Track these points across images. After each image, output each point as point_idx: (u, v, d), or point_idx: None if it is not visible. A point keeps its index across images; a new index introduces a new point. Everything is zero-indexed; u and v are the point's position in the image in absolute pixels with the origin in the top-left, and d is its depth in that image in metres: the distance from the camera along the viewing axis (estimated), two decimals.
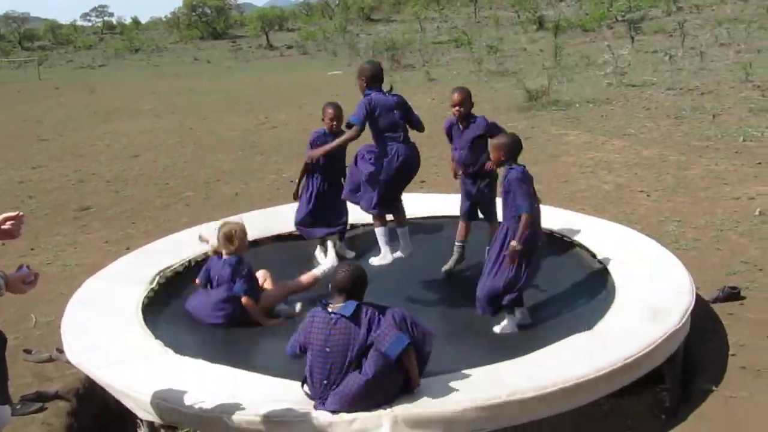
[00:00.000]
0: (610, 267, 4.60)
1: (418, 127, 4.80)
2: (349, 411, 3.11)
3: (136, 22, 61.65)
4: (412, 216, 6.09)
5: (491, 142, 4.33)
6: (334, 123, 5.29)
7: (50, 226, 7.89)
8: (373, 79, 4.68)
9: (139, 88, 24.05)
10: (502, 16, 40.67)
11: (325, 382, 3.16)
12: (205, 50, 43.38)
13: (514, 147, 4.17)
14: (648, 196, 7.59)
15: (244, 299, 4.26)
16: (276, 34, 46.85)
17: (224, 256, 4.38)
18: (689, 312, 3.89)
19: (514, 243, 3.95)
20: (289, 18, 55.93)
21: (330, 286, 3.35)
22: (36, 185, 10.08)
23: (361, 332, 3.15)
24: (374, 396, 3.14)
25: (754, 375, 3.94)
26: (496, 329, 4.12)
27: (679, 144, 9.83)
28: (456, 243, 5.11)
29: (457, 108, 4.94)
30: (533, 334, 4.00)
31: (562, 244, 5.27)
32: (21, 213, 2.78)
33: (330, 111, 5.34)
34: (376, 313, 3.20)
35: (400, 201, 4.86)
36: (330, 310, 3.23)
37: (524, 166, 4.16)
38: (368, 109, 4.51)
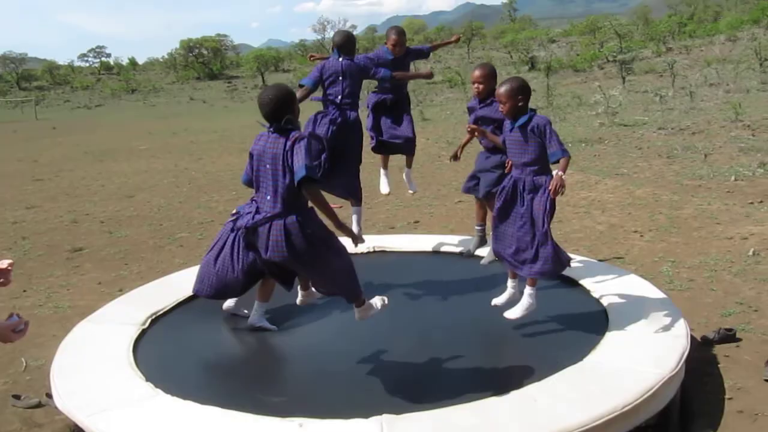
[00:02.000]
0: (604, 309, 4.58)
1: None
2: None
3: (133, 62, 62.38)
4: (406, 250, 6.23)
5: (500, 91, 4.12)
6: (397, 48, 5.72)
7: (43, 268, 7.85)
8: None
9: (135, 128, 24.21)
10: (495, 57, 41.36)
11: (268, 197, 3.59)
12: (201, 90, 43.85)
13: (527, 89, 4.14)
14: (641, 236, 7.62)
15: None
16: (272, 75, 47.44)
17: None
18: (685, 356, 3.87)
19: (562, 174, 4.00)
20: (284, 59, 56.70)
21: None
22: (30, 226, 10.06)
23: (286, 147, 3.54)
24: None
25: (752, 419, 3.90)
26: (510, 314, 4.21)
27: (672, 183, 9.91)
28: (476, 227, 5.33)
29: (476, 85, 4.98)
30: (523, 366, 3.97)
31: (556, 285, 5.25)
32: (11, 262, 2.76)
33: (393, 36, 5.72)
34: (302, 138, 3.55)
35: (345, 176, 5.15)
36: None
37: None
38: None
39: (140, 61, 64.84)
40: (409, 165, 6.23)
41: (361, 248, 6.14)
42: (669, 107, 17.03)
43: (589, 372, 3.70)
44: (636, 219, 8.28)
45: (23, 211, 11.06)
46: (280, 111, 3.61)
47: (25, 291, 6.98)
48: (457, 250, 6.18)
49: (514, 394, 3.48)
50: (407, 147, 5.96)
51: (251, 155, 3.73)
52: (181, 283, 5.50)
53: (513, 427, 3.20)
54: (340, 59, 5.13)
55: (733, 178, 9.78)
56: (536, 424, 3.21)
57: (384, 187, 6.17)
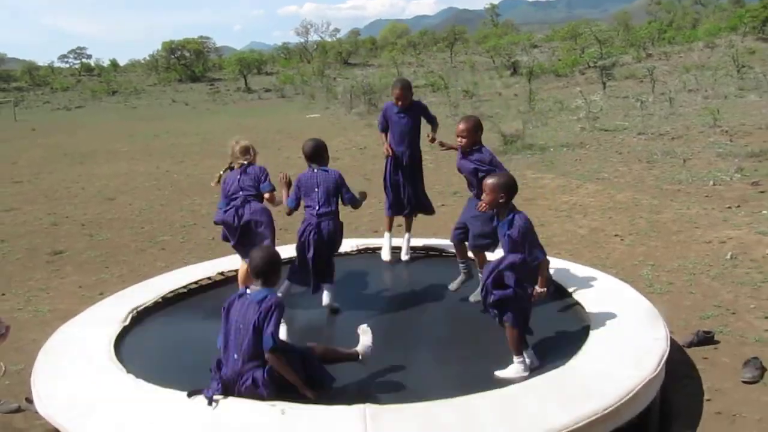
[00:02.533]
0: (586, 312, 4.62)
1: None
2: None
3: (114, 64, 61.73)
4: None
5: (487, 183, 4.06)
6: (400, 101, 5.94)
7: (22, 271, 7.77)
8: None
9: (116, 131, 24.00)
10: (478, 61, 41.59)
11: (235, 356, 3.53)
12: (183, 93, 43.57)
13: (513, 187, 4.05)
14: (622, 240, 7.70)
15: (267, 195, 5.00)
16: (254, 78, 47.25)
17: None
18: (665, 359, 3.92)
19: (542, 290, 3.96)
20: (267, 62, 56.50)
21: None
22: (8, 228, 9.94)
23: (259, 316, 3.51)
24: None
25: (729, 421, 3.96)
26: (500, 374, 4.00)
27: (652, 188, 10.02)
28: (459, 263, 5.17)
29: (460, 138, 4.97)
30: (506, 366, 3.99)
31: None
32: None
33: (396, 91, 5.93)
34: (273, 306, 3.53)
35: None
36: (248, 292, 3.64)
37: (523, 213, 4.10)
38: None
39: (121, 62, 64.19)
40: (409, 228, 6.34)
41: (347, 248, 6.18)
42: (649, 112, 17.22)
43: (571, 374, 3.74)
44: (616, 223, 8.37)
45: (1, 214, 10.93)
46: None
47: (3, 294, 6.91)
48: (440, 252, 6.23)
49: (497, 394, 3.51)
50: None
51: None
52: (163, 286, 5.48)
53: (495, 426, 3.23)
54: (315, 170, 4.96)
55: (711, 182, 9.92)
56: (518, 425, 3.25)
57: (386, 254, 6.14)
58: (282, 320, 3.65)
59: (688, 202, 9.00)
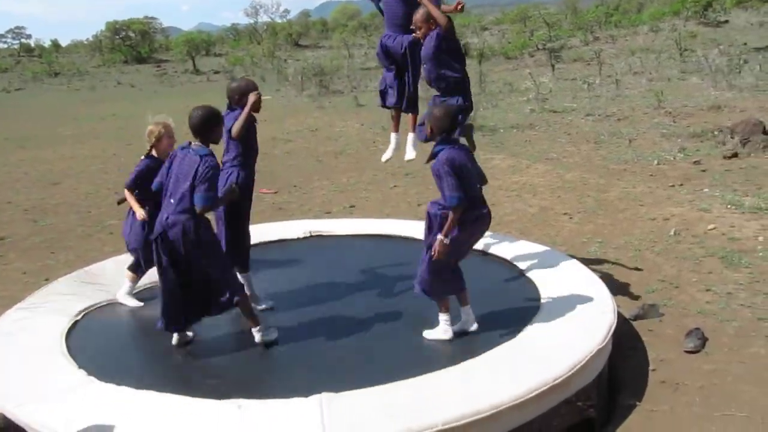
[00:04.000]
0: (536, 288, 4.73)
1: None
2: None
3: (56, 45, 59.72)
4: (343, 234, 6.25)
5: (434, 113, 4.03)
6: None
7: None
8: None
9: (59, 114, 23.25)
10: None
11: (171, 201, 3.87)
12: (128, 74, 42.43)
13: (444, 121, 3.94)
14: (571, 218, 7.87)
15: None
16: (203, 59, 46.34)
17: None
18: (612, 330, 4.05)
19: (441, 237, 3.86)
20: (216, 43, 55.49)
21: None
22: None
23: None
24: None
25: (673, 389, 4.12)
26: (427, 334, 4.15)
27: (599, 167, 10.25)
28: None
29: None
30: (458, 342, 4.08)
31: (488, 264, 5.39)
32: None
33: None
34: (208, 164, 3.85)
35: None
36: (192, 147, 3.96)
37: (455, 146, 3.97)
38: None
39: (63, 43, 62.17)
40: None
41: (297, 233, 6.16)
42: (596, 94, 17.56)
43: (522, 347, 3.83)
44: (565, 202, 8.54)
45: None
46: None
47: None
48: (393, 233, 6.26)
49: (451, 371, 3.57)
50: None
51: None
52: (112, 271, 5.38)
53: (450, 401, 3.29)
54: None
55: (655, 162, 10.20)
56: (472, 398, 3.31)
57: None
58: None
59: (634, 181, 9.24)
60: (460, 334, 4.14)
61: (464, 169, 3.94)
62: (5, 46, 61.89)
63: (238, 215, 4.58)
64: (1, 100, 31.07)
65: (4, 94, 34.68)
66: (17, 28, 63.77)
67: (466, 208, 3.87)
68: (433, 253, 3.92)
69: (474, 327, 4.14)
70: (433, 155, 4.00)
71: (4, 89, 37.06)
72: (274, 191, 9.98)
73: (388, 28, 5.34)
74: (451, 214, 3.84)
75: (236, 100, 4.55)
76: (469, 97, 5.08)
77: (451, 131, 4.03)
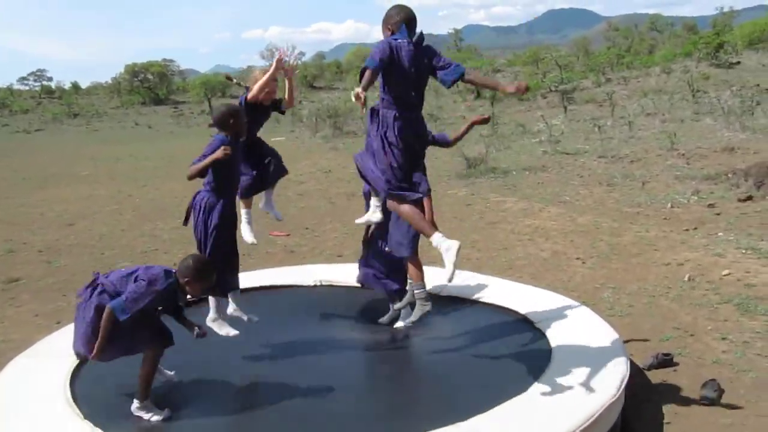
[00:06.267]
0: (546, 336, 4.67)
1: None
2: None
3: (75, 87, 60.91)
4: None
5: None
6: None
7: None
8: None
9: (77, 154, 23.61)
10: (441, 86, 41.92)
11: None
12: (146, 115, 43.14)
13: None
14: (583, 263, 7.81)
15: None
16: (219, 100, 47.04)
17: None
18: (625, 382, 3.97)
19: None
20: (232, 85, 56.36)
21: None
22: None
23: None
24: None
25: None
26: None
27: (612, 211, 10.21)
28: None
29: None
30: (467, 397, 3.99)
31: (499, 311, 5.34)
32: None
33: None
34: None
35: None
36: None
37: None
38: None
39: (83, 85, 63.43)
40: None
41: (308, 281, 6.13)
42: (609, 136, 17.59)
43: (532, 401, 3.76)
44: (578, 246, 8.48)
45: None
46: None
47: None
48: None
49: (461, 426, 3.49)
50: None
51: None
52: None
53: None
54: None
55: (669, 205, 10.15)
56: None
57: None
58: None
59: (648, 225, 9.18)
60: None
61: None
62: (27, 88, 63.17)
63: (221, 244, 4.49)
64: (21, 140, 31.64)
65: (24, 135, 35.31)
66: (39, 70, 65.16)
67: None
68: None
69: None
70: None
71: (25, 130, 37.74)
72: (286, 234, 10.00)
73: (400, 107, 4.25)
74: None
75: (221, 126, 4.52)
76: None
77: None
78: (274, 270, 6.89)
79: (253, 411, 4.00)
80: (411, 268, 4.48)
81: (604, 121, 19.23)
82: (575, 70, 35.64)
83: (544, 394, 3.83)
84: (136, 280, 3.72)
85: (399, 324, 5.06)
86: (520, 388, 3.88)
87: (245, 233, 5.09)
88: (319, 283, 6.22)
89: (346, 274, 6.51)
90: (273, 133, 27.25)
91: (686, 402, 4.49)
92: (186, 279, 3.78)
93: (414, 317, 4.40)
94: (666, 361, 5.02)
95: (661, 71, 33.03)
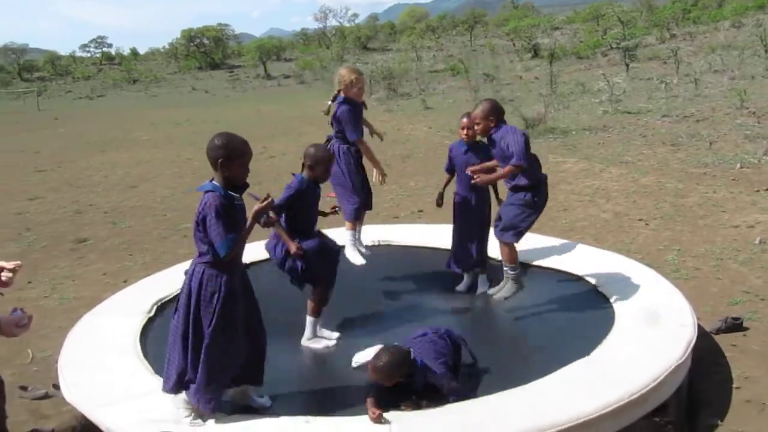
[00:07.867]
0: (610, 300, 4.56)
1: None
2: None
3: (134, 53, 62.20)
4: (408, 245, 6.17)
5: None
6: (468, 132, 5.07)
7: (47, 259, 7.86)
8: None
9: (137, 119, 24.17)
10: (498, 45, 41.13)
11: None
12: (202, 80, 43.75)
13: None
14: (647, 224, 7.58)
15: None
16: (273, 64, 47.33)
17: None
18: (692, 345, 3.85)
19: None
20: (286, 48, 56.57)
21: None
22: (33, 217, 10.05)
23: None
24: None
25: (759, 409, 3.88)
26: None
27: (677, 171, 9.86)
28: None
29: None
30: (531, 361, 3.96)
31: (561, 275, 5.24)
32: (19, 263, 2.72)
33: (464, 120, 5.10)
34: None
35: None
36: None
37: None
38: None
39: (141, 51, 64.66)
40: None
41: (366, 241, 6.06)
42: (673, 94, 16.94)
43: (597, 363, 3.69)
44: (641, 207, 8.24)
45: (26, 203, 11.06)
46: None
47: (30, 282, 6.98)
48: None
49: (526, 388, 3.46)
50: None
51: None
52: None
53: (525, 419, 3.19)
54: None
55: (738, 165, 9.73)
56: (547, 415, 3.20)
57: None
58: None
59: (715, 186, 8.84)
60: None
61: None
62: (88, 55, 64.73)
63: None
64: (84, 106, 32.57)
65: (86, 101, 36.34)
66: (99, 38, 66.53)
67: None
68: None
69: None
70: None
71: (87, 96, 38.85)
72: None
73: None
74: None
75: (306, 165, 4.27)
76: None
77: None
78: (329, 231, 6.90)
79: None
80: (507, 251, 4.57)
81: (669, 79, 18.49)
82: (638, 26, 34.27)
83: (608, 356, 3.75)
84: None
85: (491, 291, 4.92)
86: (585, 350, 3.80)
87: (355, 257, 5.14)
88: (378, 243, 6.22)
89: (403, 234, 6.52)
90: (327, 96, 27.29)
91: (757, 367, 4.33)
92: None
93: (506, 292, 4.65)
94: (735, 326, 4.85)
95: (731, 25, 31.51)
